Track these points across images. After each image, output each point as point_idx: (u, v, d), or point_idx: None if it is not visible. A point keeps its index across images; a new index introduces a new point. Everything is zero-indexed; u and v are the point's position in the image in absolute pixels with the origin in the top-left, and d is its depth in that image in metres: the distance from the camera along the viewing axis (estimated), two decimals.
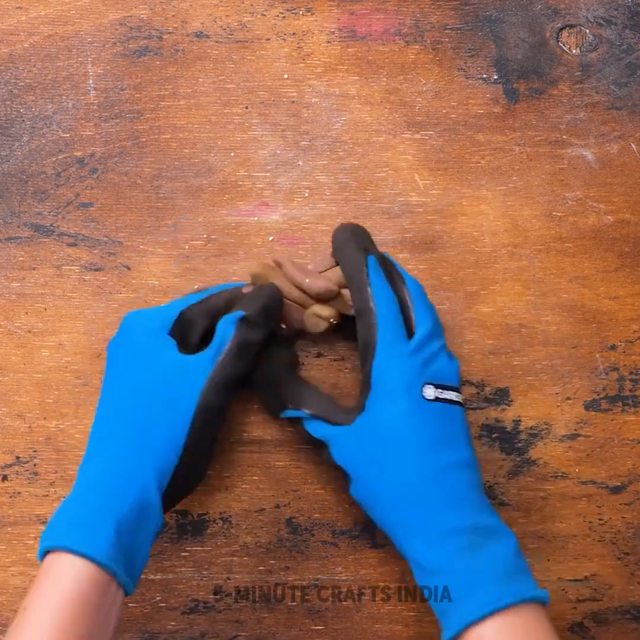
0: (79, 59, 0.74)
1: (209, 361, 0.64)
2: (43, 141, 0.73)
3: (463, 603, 0.59)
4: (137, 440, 0.62)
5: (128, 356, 0.65)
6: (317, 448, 0.66)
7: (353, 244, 0.66)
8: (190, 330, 0.67)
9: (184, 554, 0.71)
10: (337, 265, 0.68)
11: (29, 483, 0.71)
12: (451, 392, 0.64)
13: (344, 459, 0.64)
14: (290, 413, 0.67)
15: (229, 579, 0.71)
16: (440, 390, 0.64)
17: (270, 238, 0.73)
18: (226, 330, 0.65)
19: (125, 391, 0.64)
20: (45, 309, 0.72)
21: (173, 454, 0.62)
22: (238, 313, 0.66)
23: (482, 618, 0.58)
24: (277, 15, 0.75)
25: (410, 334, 0.65)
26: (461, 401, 0.65)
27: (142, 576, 0.71)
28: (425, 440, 0.62)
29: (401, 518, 0.62)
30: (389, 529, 0.63)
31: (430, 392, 0.63)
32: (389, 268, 0.67)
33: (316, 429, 0.66)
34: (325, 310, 0.68)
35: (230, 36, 0.74)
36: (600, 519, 0.72)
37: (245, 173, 0.73)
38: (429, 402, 0.63)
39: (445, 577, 0.60)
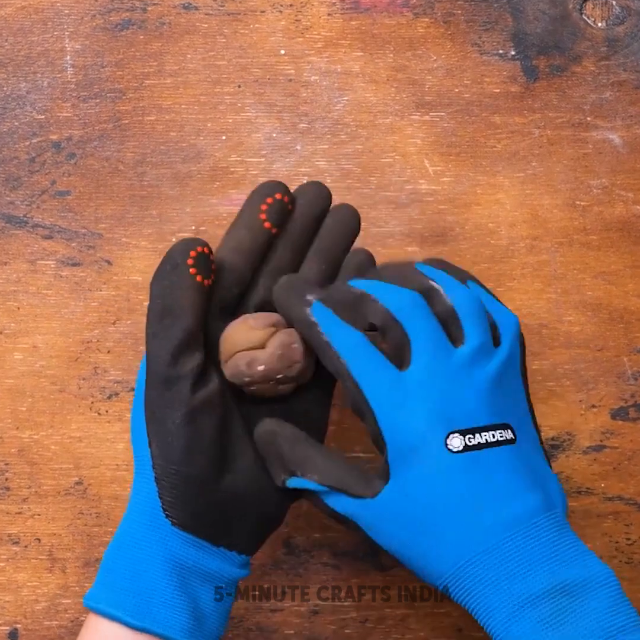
0: (55, 33, 0.74)
1: None
2: (16, 123, 0.73)
3: None
4: None
5: None
6: (342, 522, 0.59)
7: (292, 298, 0.60)
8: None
9: None
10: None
11: (0, 499, 0.70)
12: (487, 432, 0.56)
13: (377, 534, 0.57)
14: (297, 482, 0.59)
15: None
16: (469, 436, 0.55)
17: None
18: None
19: None
20: (18, 308, 0.72)
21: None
22: None
23: None
24: None
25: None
26: (507, 437, 0.56)
27: None
28: (467, 505, 0.55)
29: (465, 594, 0.55)
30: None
31: (456, 442, 0.55)
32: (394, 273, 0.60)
33: (337, 502, 0.58)
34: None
35: (221, 7, 0.74)
36: (628, 539, 0.71)
37: (238, 158, 0.74)
38: (459, 454, 0.55)
39: None
